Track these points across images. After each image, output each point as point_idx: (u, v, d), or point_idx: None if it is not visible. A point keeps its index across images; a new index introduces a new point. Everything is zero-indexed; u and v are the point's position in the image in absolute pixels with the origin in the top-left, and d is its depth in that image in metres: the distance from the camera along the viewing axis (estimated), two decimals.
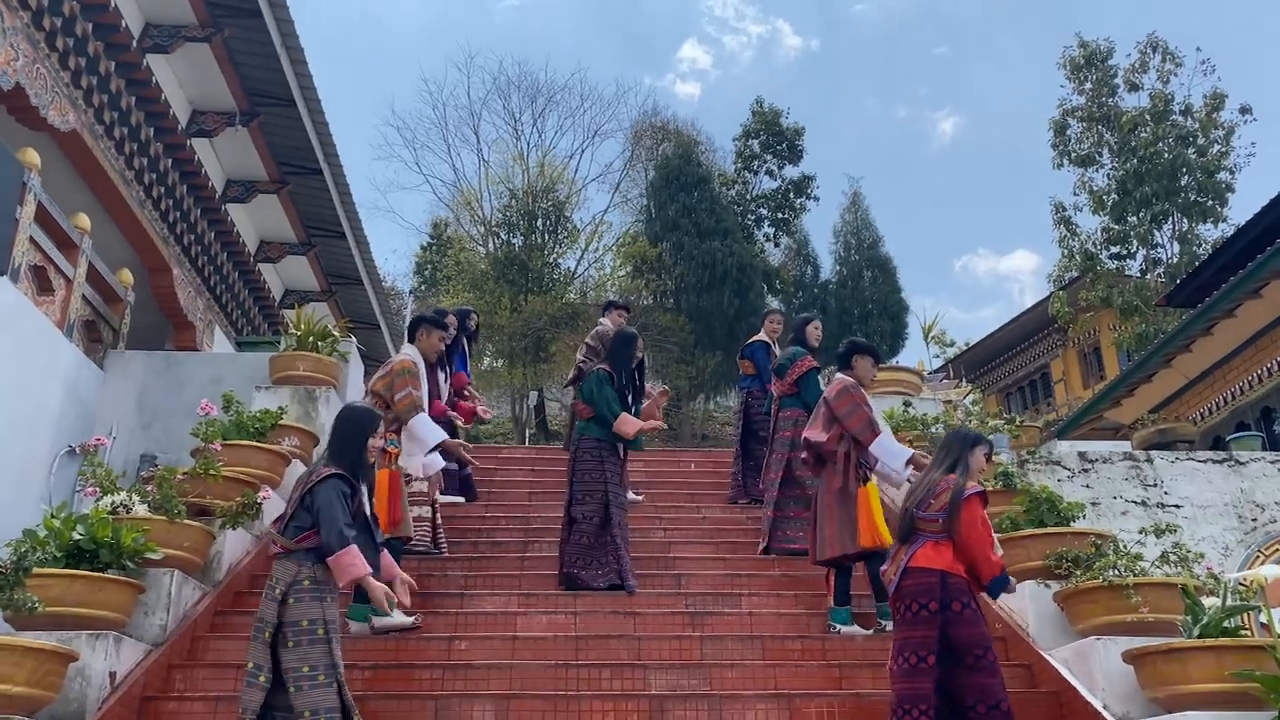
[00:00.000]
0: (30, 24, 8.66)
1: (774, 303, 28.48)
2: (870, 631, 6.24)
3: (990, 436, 8.11)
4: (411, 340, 7.00)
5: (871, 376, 6.77)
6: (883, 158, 66.63)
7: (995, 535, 5.07)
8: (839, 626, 6.25)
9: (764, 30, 63.88)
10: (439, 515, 7.43)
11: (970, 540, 4.79)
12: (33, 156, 8.22)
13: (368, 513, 4.81)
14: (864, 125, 67.20)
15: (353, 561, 4.41)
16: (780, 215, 30.11)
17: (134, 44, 10.11)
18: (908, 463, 6.34)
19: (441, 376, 8.21)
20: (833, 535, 6.26)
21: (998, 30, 71.23)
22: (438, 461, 6.69)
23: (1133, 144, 22.76)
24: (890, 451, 6.39)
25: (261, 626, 4.41)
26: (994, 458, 7.66)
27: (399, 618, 6.01)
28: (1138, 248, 23.23)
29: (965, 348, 29.55)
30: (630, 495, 8.37)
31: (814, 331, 8.49)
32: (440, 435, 6.56)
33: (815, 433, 6.53)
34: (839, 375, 6.71)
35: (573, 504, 6.94)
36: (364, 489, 4.79)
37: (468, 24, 57.25)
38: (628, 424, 6.96)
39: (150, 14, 10.58)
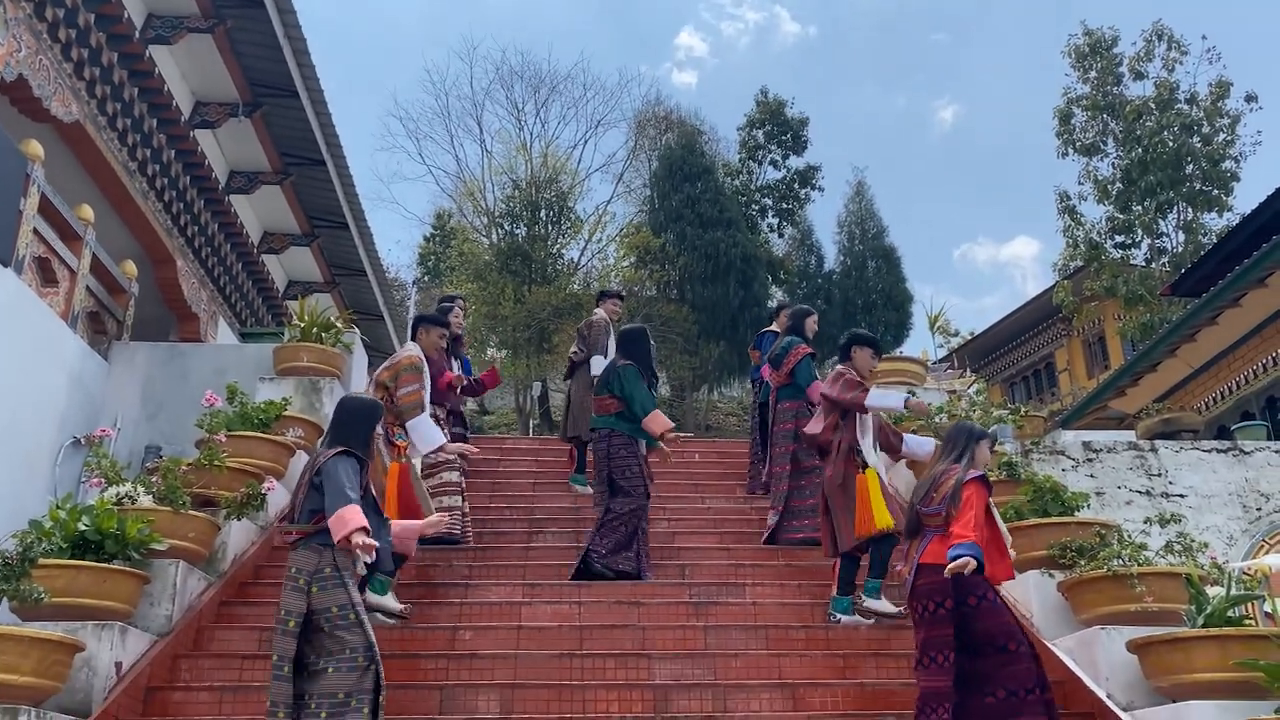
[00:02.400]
0: (33, 15, 8.65)
1: (778, 293, 28.46)
2: (871, 621, 6.23)
3: (994, 427, 8.15)
4: (414, 338, 7.01)
5: (871, 368, 6.76)
6: (881, 145, 66.48)
7: (1006, 526, 5.04)
8: (840, 616, 6.24)
9: (761, 17, 63.61)
10: (466, 504, 7.45)
11: (959, 515, 4.75)
12: (36, 148, 8.23)
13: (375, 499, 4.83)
14: (862, 113, 67.06)
15: (353, 516, 4.40)
16: (784, 205, 30.06)
17: (137, 35, 10.11)
18: (906, 405, 6.54)
19: (455, 367, 8.21)
20: (844, 526, 6.28)
21: (993, 16, 70.91)
22: (434, 437, 6.48)
23: (1137, 133, 22.68)
24: (885, 398, 6.48)
25: (286, 617, 4.39)
26: (998, 447, 7.68)
27: (392, 602, 6.02)
28: (1142, 237, 23.17)
29: (970, 337, 29.48)
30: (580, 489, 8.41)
31: (811, 324, 8.59)
32: (439, 440, 6.51)
33: (812, 426, 6.55)
34: (838, 367, 6.71)
35: (614, 497, 6.95)
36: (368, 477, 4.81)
37: (464, 13, 57.06)
38: (658, 421, 7.05)
39: (153, 5, 10.57)
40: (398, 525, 5.14)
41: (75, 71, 9.45)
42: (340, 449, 4.68)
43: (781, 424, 8.06)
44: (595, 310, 9.86)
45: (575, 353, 9.46)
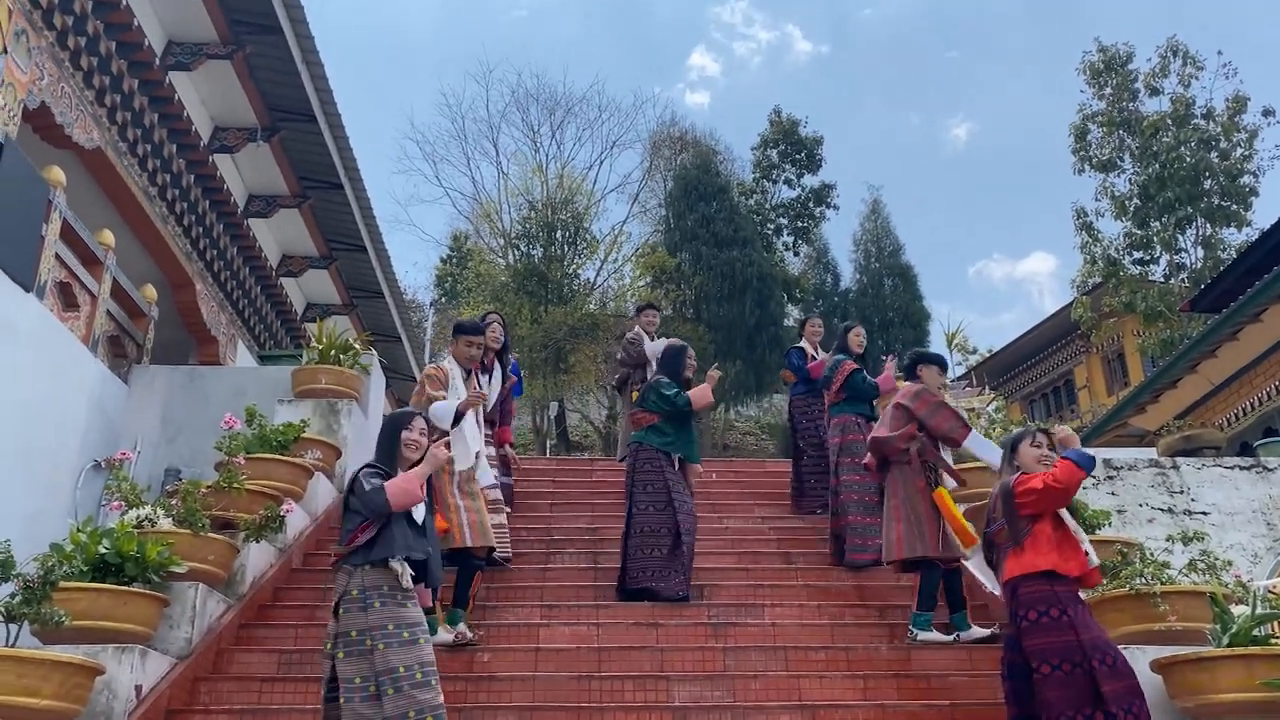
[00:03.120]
0: (55, 44, 8.77)
1: (795, 312, 28.44)
2: (951, 639, 6.18)
3: None
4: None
5: (939, 385, 6.79)
6: (894, 163, 66.46)
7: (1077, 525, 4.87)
8: (917, 632, 6.18)
9: (773, 36, 63.83)
10: (506, 521, 7.38)
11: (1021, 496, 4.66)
12: (58, 174, 8.32)
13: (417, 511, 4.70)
14: (876, 131, 67.11)
15: (397, 488, 4.41)
16: (800, 224, 30.08)
17: (157, 62, 10.22)
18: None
19: (485, 381, 7.70)
20: (899, 537, 6.29)
21: (1005, 33, 70.90)
22: (445, 410, 6.20)
23: (1154, 148, 22.61)
24: (986, 447, 6.39)
25: (325, 641, 4.44)
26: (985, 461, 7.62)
27: (444, 634, 5.94)
28: (1161, 253, 23.06)
29: (988, 355, 29.39)
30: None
31: (855, 339, 8.49)
32: (453, 407, 6.24)
33: (882, 432, 6.53)
34: (907, 383, 6.72)
35: (635, 514, 6.95)
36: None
37: (478, 35, 57.49)
38: (700, 395, 7.13)
39: (173, 32, 10.69)
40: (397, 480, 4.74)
41: (96, 98, 9.56)
42: (363, 465, 4.70)
43: (831, 439, 8.10)
44: (632, 326, 9.87)
45: (623, 372, 9.51)
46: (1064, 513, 4.79)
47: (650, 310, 10.02)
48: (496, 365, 7.92)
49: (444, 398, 6.30)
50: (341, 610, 4.39)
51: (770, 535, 8.47)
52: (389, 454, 4.73)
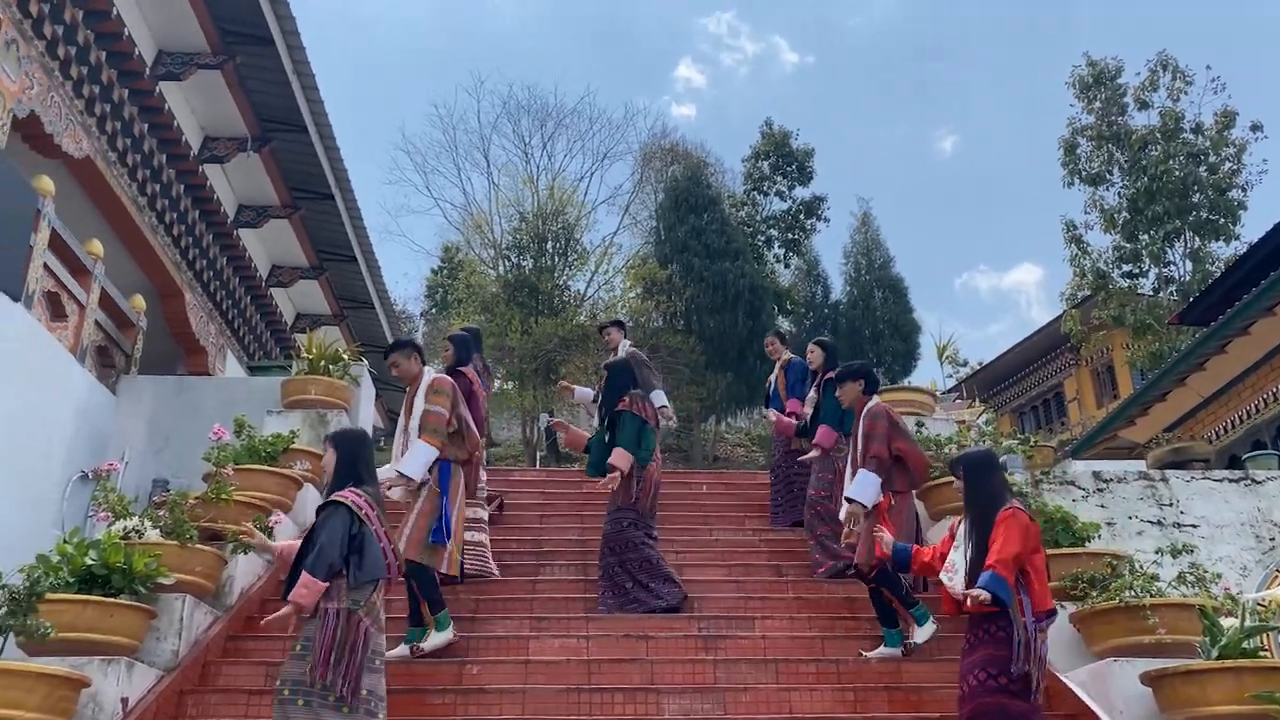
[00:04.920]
0: (45, 53, 8.75)
1: (784, 324, 28.43)
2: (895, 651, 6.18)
3: (1004, 457, 8.12)
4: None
5: (853, 398, 6.71)
6: (880, 174, 66.48)
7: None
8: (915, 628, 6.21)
9: (759, 48, 63.95)
10: (488, 538, 7.44)
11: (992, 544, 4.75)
12: (47, 184, 8.29)
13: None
14: (862, 142, 67.10)
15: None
16: (790, 236, 30.11)
17: (147, 72, 10.21)
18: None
19: None
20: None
21: (990, 45, 71.14)
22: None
23: (1143, 162, 22.72)
24: (863, 485, 6.27)
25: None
26: (1009, 478, 7.63)
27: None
28: (1150, 266, 23.15)
29: (978, 367, 29.45)
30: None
31: (808, 354, 8.82)
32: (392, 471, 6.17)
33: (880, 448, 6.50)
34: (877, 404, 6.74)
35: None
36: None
37: (461, 46, 57.51)
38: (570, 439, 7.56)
39: (163, 42, 10.69)
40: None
41: (86, 108, 9.54)
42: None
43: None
44: (624, 347, 9.66)
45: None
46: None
47: (610, 329, 9.92)
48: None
49: None
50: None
51: (761, 547, 8.45)
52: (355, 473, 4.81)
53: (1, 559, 4.84)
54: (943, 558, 4.93)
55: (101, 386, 9.25)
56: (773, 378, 9.59)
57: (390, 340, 16.82)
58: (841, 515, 6.47)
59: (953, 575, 4.74)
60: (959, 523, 4.95)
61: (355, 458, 4.80)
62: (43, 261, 8.19)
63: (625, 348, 9.64)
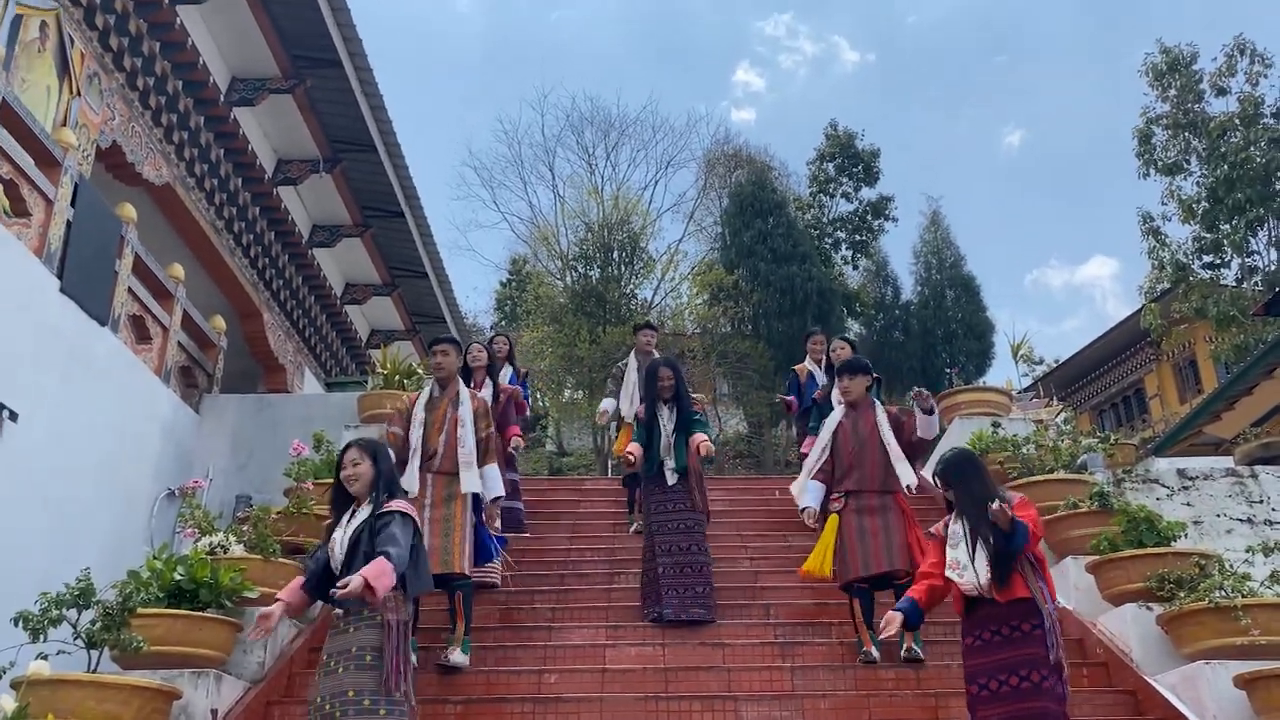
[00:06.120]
0: (125, 84, 9.05)
1: (855, 326, 28.17)
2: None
3: (1084, 456, 7.95)
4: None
5: (857, 391, 6.59)
6: (945, 171, 65.46)
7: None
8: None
9: (819, 48, 63.42)
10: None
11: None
12: (130, 211, 8.57)
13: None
14: (926, 139, 66.15)
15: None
16: (858, 238, 29.86)
17: (221, 99, 10.50)
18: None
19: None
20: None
21: (1051, 37, 69.64)
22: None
23: (1222, 150, 22.09)
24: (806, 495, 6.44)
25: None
26: (1089, 477, 7.48)
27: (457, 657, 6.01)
28: (1232, 256, 22.49)
29: (1054, 365, 28.84)
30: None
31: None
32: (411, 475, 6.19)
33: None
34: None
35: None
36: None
37: (519, 58, 58.01)
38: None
39: (236, 69, 10.98)
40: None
41: (165, 136, 9.84)
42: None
43: None
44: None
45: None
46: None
47: (647, 330, 9.46)
48: (488, 382, 8.04)
49: (398, 435, 6.31)
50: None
51: None
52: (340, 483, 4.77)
53: (95, 574, 5.00)
54: (931, 576, 4.80)
55: (186, 406, 9.52)
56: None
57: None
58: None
59: (962, 572, 4.63)
60: (944, 525, 4.83)
61: (393, 469, 4.84)
62: (127, 286, 8.47)
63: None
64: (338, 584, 4.30)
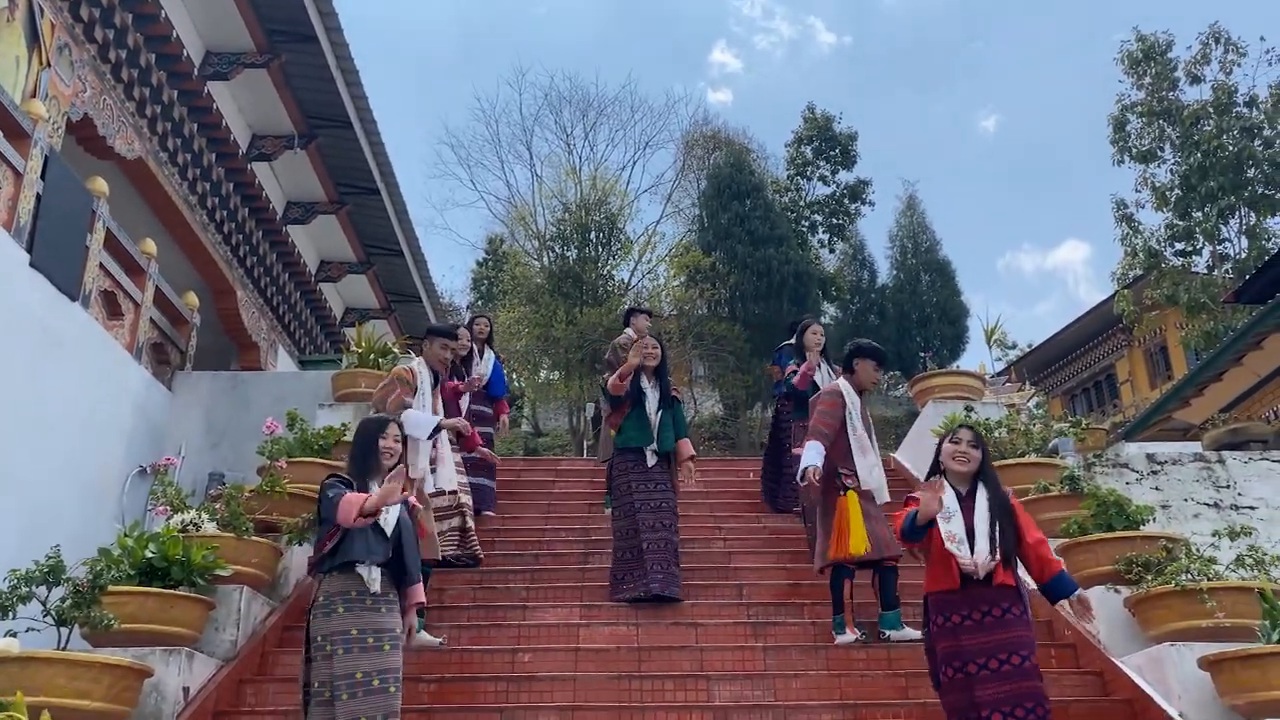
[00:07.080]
0: (97, 57, 8.92)
1: (831, 309, 28.27)
2: (884, 638, 6.15)
3: (1055, 440, 8.03)
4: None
5: (874, 380, 6.60)
6: (919, 153, 65.60)
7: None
8: (888, 633, 6.17)
9: (795, 30, 63.30)
10: (470, 522, 6.89)
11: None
12: (101, 185, 8.47)
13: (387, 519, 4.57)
14: (901, 121, 66.24)
15: (345, 502, 4.34)
16: (835, 221, 29.94)
17: (195, 72, 10.37)
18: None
19: (475, 364, 8.87)
20: (817, 549, 6.32)
21: (1029, 22, 69.77)
22: (424, 421, 6.24)
23: (1195, 138, 22.26)
24: (809, 452, 6.19)
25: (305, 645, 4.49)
26: (1060, 461, 7.55)
27: (426, 637, 6.03)
28: (1204, 243, 22.69)
29: (1027, 350, 29.09)
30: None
31: (809, 337, 8.44)
32: (432, 421, 6.28)
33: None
34: (840, 380, 6.63)
35: (613, 522, 7.14)
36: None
37: (497, 36, 57.60)
38: (614, 387, 7.14)
39: (210, 42, 10.85)
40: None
41: (137, 109, 9.71)
42: (329, 474, 4.72)
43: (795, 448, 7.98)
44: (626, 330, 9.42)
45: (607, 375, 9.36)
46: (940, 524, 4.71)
47: (640, 314, 9.12)
48: (487, 352, 8.99)
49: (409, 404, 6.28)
50: (310, 616, 4.43)
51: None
52: (364, 461, 4.69)
53: (65, 552, 4.96)
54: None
55: (158, 383, 9.44)
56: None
57: None
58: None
59: (959, 546, 4.64)
60: (940, 485, 4.79)
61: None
62: (99, 261, 8.37)
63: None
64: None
